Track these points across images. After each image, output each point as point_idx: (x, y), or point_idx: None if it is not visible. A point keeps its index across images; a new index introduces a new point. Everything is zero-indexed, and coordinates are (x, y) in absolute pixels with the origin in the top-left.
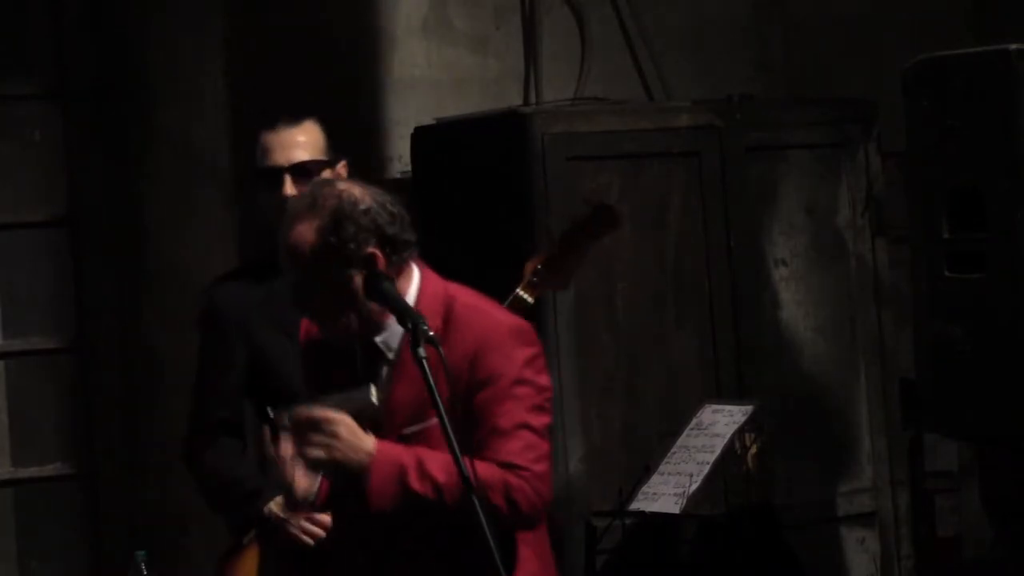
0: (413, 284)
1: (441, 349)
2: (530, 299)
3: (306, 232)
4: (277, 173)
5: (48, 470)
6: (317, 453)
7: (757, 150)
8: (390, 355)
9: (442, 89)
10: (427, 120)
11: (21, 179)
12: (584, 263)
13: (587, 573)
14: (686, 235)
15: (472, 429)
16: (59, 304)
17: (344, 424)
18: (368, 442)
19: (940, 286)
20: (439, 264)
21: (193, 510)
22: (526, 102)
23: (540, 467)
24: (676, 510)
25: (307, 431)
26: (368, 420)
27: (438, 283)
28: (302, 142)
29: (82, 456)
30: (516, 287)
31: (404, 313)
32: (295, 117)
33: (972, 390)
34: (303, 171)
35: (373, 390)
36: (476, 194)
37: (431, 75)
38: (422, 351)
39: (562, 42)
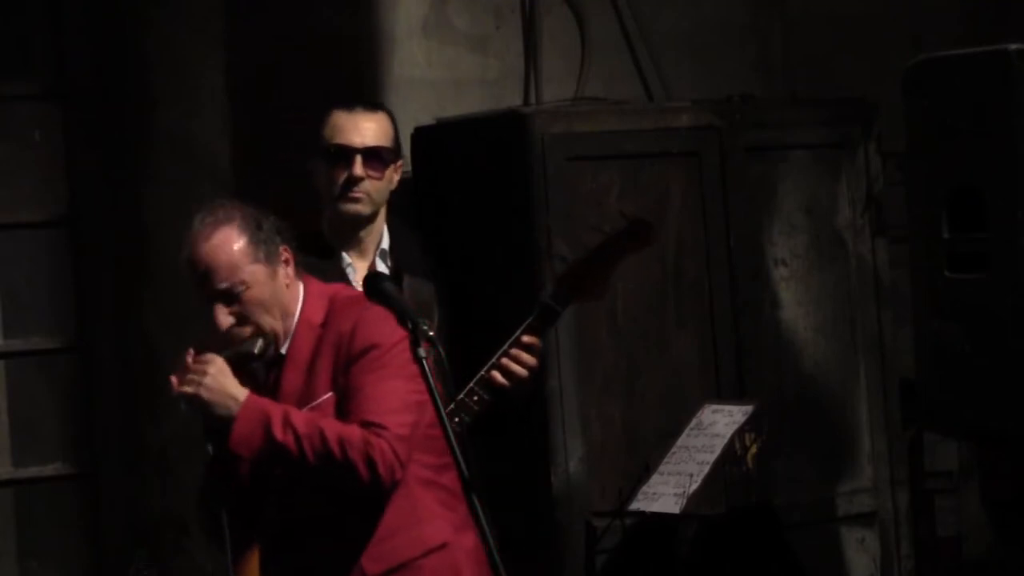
0: (301, 287)
1: (440, 348)
2: (560, 308)
3: (231, 236)
4: (349, 152)
5: (48, 470)
6: (187, 389)
7: (757, 150)
8: (283, 348)
9: (442, 89)
10: (427, 120)
11: (21, 179)
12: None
13: (587, 573)
14: (686, 235)
15: (347, 401)
16: (59, 304)
17: (215, 366)
18: (237, 390)
19: (940, 286)
20: (439, 263)
21: (193, 510)
22: (526, 102)
23: (402, 430)
24: (676, 510)
25: (186, 369)
26: (249, 368)
27: (323, 286)
28: (376, 129)
29: (82, 456)
30: (541, 295)
31: (404, 313)
32: (372, 104)
33: (972, 390)
34: (375, 155)
35: (260, 341)
36: (476, 194)
37: (431, 75)
38: (422, 351)
39: (562, 42)
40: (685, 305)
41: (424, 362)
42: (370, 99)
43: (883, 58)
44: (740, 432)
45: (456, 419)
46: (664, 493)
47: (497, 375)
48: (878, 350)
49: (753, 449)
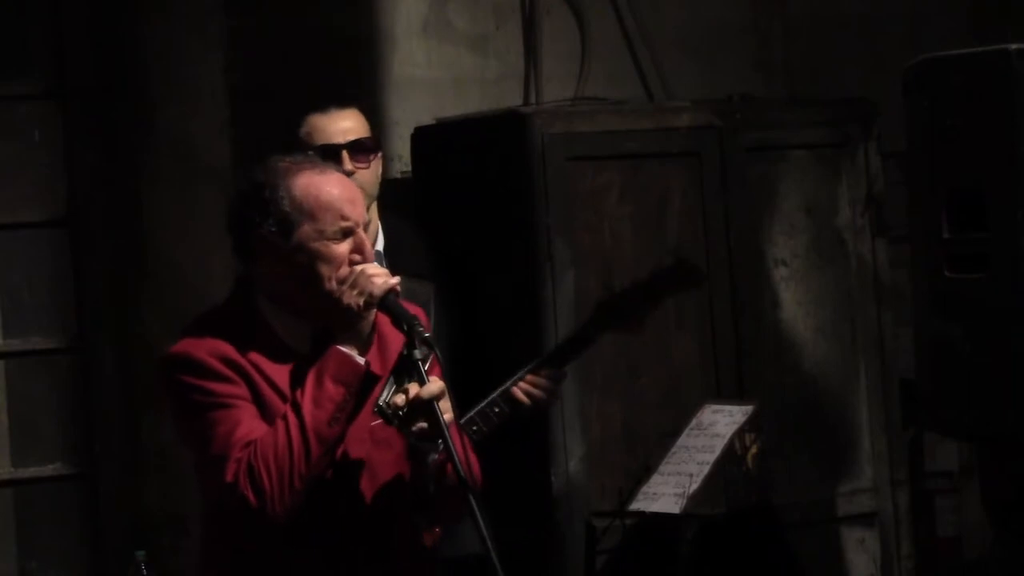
0: None
1: (437, 350)
2: (595, 336)
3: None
4: (334, 150)
5: (48, 470)
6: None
7: (757, 150)
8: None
9: (442, 89)
10: (427, 120)
11: (21, 179)
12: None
13: (587, 573)
14: (686, 235)
15: None
16: (59, 304)
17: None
18: None
19: (940, 286)
20: (439, 264)
21: (193, 510)
22: (526, 102)
23: None
24: (676, 510)
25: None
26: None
27: None
28: (354, 123)
29: (82, 456)
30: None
31: (400, 316)
32: (342, 103)
33: (972, 390)
34: (359, 147)
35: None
36: (476, 194)
37: (431, 75)
38: (418, 353)
39: (562, 42)
40: (685, 305)
41: (421, 364)
42: (341, 99)
43: (883, 58)
44: (740, 432)
45: (474, 428)
46: (664, 493)
47: (520, 393)
48: (878, 350)
49: (753, 449)
